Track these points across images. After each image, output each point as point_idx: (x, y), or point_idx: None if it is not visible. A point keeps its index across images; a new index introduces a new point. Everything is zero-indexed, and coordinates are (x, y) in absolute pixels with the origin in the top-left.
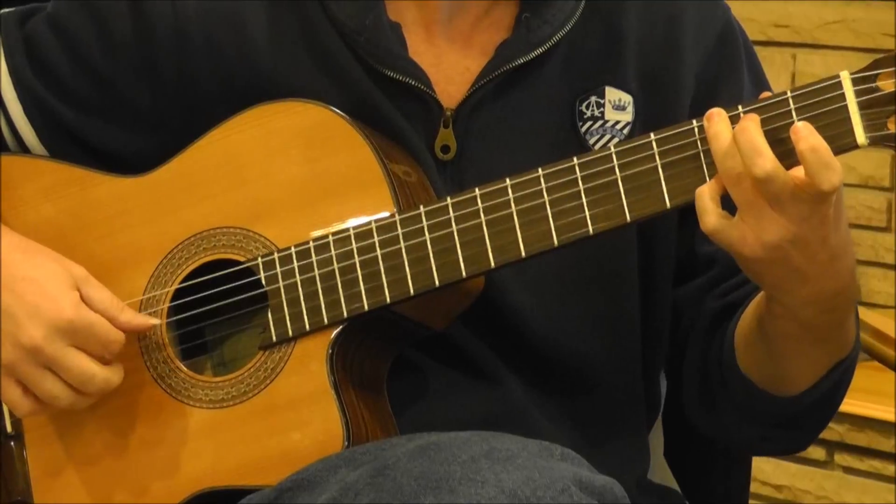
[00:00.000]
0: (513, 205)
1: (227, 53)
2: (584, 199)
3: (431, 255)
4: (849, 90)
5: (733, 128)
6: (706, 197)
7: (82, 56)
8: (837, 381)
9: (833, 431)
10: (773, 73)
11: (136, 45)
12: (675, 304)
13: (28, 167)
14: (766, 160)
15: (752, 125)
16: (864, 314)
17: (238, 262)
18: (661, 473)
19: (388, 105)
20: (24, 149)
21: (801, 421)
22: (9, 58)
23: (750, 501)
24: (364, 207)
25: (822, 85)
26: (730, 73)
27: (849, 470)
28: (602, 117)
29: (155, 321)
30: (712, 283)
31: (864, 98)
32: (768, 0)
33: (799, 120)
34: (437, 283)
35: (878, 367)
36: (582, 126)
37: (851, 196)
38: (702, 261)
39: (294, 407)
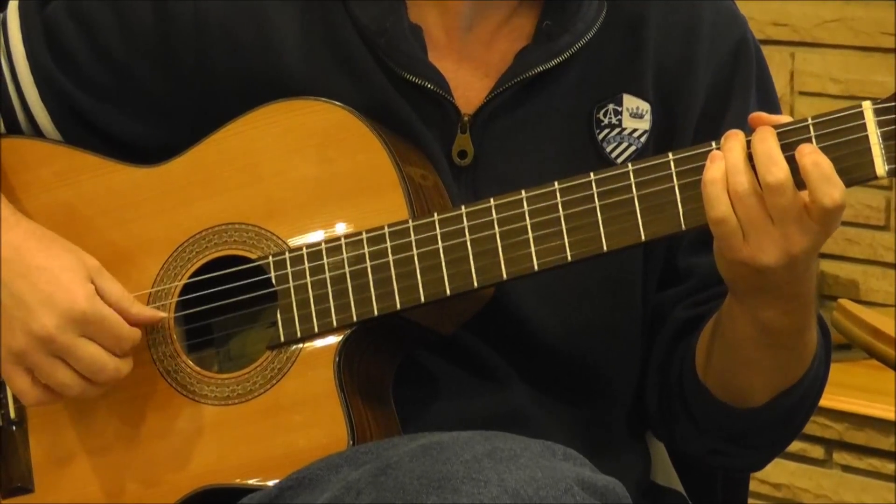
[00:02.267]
0: (527, 217)
1: (247, 48)
2: (599, 217)
3: (444, 263)
4: (870, 120)
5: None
6: (718, 186)
7: (100, 43)
8: (796, 403)
9: (832, 430)
10: (773, 72)
11: (155, 34)
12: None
13: (43, 151)
14: (780, 169)
15: (769, 136)
16: (864, 312)
17: (249, 260)
18: (664, 475)
19: (406, 108)
20: (38, 133)
21: (755, 439)
22: (27, 42)
23: (749, 500)
24: (378, 211)
25: (844, 114)
26: (739, 92)
27: (848, 468)
28: (619, 125)
29: (164, 315)
30: (686, 293)
31: (886, 129)
32: None
33: (819, 147)
34: (448, 292)
35: (878, 366)
36: (599, 134)
37: (850, 195)
38: (682, 271)
39: (300, 408)
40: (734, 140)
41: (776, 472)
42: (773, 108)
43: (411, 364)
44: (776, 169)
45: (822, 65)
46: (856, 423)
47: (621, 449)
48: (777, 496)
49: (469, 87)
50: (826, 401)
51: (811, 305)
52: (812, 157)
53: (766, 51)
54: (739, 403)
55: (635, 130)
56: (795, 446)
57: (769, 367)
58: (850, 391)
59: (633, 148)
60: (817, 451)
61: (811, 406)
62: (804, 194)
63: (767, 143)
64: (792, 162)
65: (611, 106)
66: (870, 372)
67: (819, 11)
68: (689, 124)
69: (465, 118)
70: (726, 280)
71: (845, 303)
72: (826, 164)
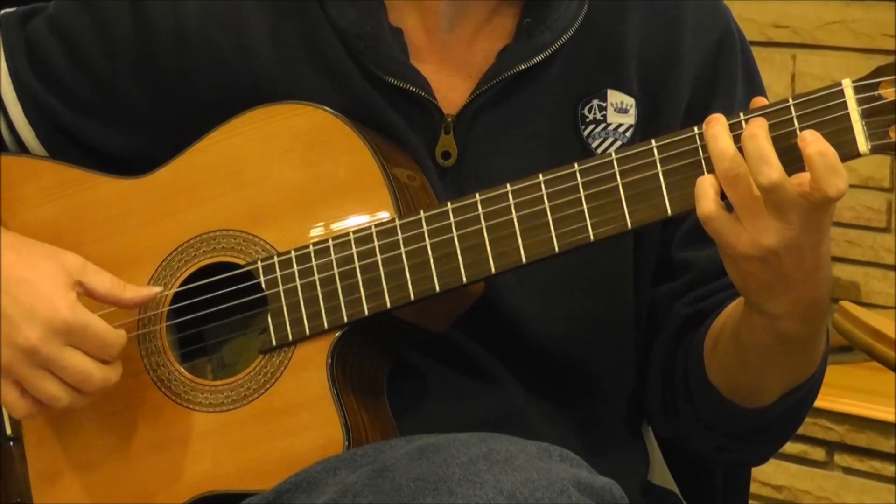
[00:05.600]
0: (513, 211)
1: (228, 56)
2: (585, 206)
3: (432, 260)
4: (851, 98)
5: (738, 132)
6: (706, 183)
7: (82, 58)
8: (802, 397)
9: (833, 432)
10: (773, 74)
11: (137, 46)
12: (647, 306)
13: (27, 167)
14: (773, 169)
15: (761, 132)
16: (864, 314)
17: (238, 266)
18: (661, 475)
19: (389, 111)
20: (23, 149)
21: (762, 434)
22: (9, 58)
23: (750, 502)
24: (364, 211)
25: (824, 93)
26: (725, 81)
27: (849, 470)
28: (604, 121)
29: (157, 288)
30: (685, 288)
31: (866, 106)
32: (768, 0)
33: (801, 127)
34: (437, 288)
35: (878, 367)
36: (584, 130)
37: (851, 196)
38: (677, 265)
39: (294, 411)
40: (718, 126)
41: (777, 474)
42: (759, 94)
43: (405, 367)
44: (768, 169)
45: (823, 66)
46: (857, 425)
47: (619, 447)
48: (778, 498)
49: (451, 88)
50: (827, 403)
51: (825, 315)
52: (816, 146)
53: (767, 52)
54: (749, 403)
55: (620, 125)
56: (796, 448)
57: (785, 370)
58: (850, 393)
59: (618, 143)
60: (818, 453)
61: (814, 398)
62: (800, 178)
63: (758, 140)
64: (775, 143)
65: (595, 102)
66: (871, 374)
67: (820, 13)
68: (675, 117)
69: (449, 119)
70: (737, 284)
71: (846, 305)
72: (832, 153)
